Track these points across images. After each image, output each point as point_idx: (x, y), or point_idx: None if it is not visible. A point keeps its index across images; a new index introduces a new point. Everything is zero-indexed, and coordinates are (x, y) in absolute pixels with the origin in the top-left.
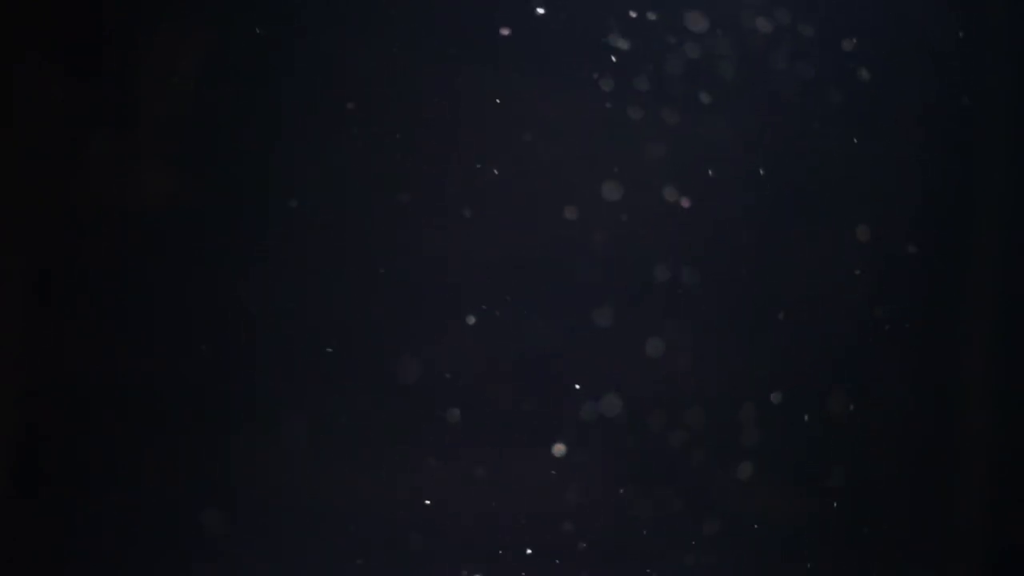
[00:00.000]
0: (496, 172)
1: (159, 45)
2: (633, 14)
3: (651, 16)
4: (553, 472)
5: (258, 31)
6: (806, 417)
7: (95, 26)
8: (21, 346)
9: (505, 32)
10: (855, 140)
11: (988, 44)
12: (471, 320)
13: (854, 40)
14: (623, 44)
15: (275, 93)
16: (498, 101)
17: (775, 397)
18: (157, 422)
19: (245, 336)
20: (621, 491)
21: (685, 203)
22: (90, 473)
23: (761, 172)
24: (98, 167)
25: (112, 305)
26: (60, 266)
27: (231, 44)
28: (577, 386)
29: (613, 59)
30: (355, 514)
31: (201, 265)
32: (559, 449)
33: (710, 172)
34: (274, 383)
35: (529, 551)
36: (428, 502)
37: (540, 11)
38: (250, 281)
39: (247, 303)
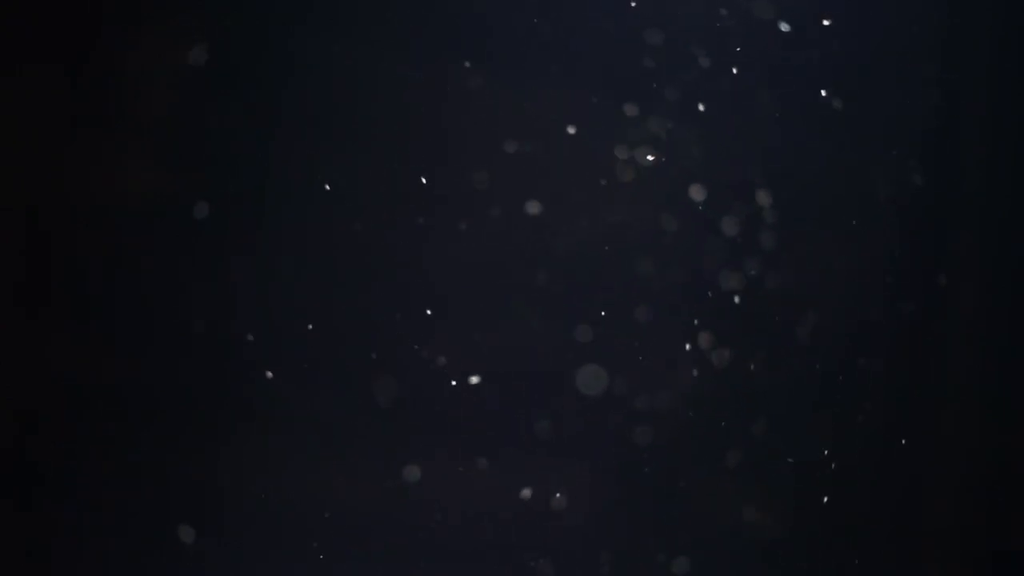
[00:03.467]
0: (497, 172)
1: (159, 45)
2: (634, 12)
3: (652, 18)
4: (552, 474)
5: (257, 31)
6: (803, 418)
7: (95, 26)
8: (19, 346)
9: (506, 32)
10: (849, 142)
11: (985, 44)
12: (471, 320)
13: (848, 40)
14: (625, 46)
15: (275, 93)
16: (499, 101)
17: (772, 398)
18: (156, 422)
19: (245, 336)
20: (617, 492)
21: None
22: (87, 473)
23: (758, 176)
24: (97, 167)
25: (111, 305)
26: (59, 266)
27: (231, 44)
28: (576, 388)
29: (614, 60)
30: (353, 514)
31: (200, 265)
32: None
33: (707, 175)
34: (274, 383)
35: (527, 552)
36: (426, 503)
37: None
38: (250, 281)
39: (246, 303)
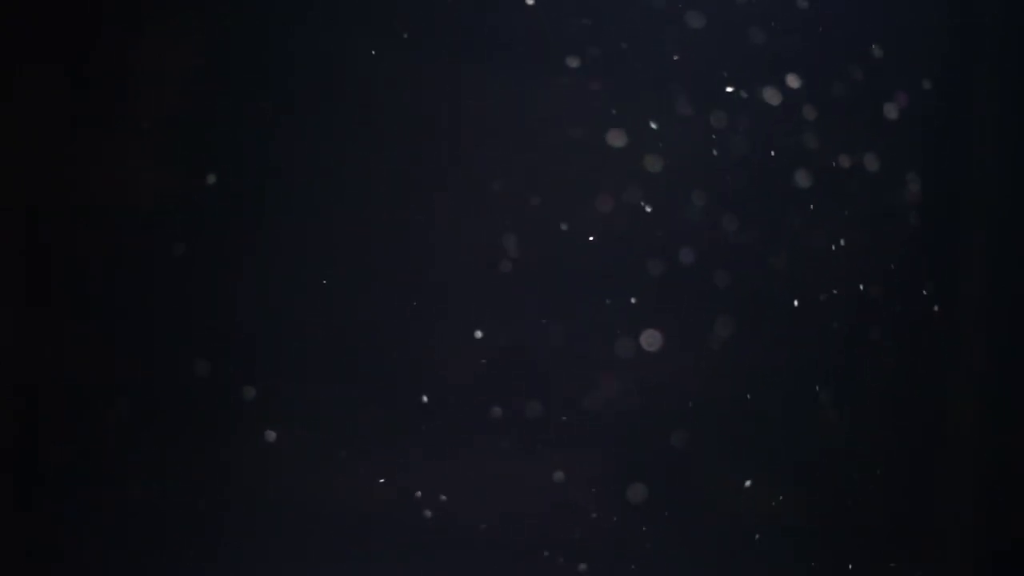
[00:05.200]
0: (497, 172)
1: (159, 45)
2: (635, 12)
3: (651, 17)
4: (552, 474)
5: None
6: (802, 417)
7: (95, 26)
8: (21, 346)
9: (508, 30)
10: (850, 140)
11: (984, 41)
12: (472, 320)
13: (848, 38)
14: (625, 43)
15: (275, 93)
16: (499, 100)
17: (771, 397)
18: (156, 422)
19: (245, 336)
20: (617, 492)
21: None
22: (87, 473)
23: (758, 173)
24: (97, 167)
25: (111, 305)
26: (60, 266)
27: (231, 44)
28: (577, 387)
29: (616, 59)
30: (353, 514)
31: (201, 265)
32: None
33: (708, 173)
34: (274, 383)
35: (527, 552)
36: (425, 502)
37: (531, 3)
38: (250, 281)
39: (247, 303)
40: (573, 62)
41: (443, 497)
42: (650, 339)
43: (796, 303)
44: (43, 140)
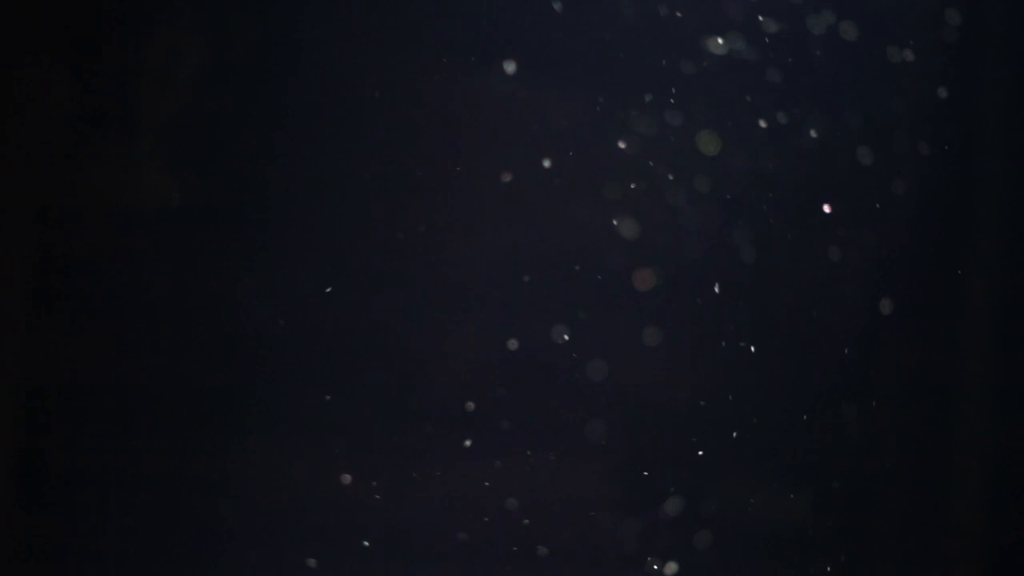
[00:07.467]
0: (497, 172)
1: (159, 45)
2: (640, 14)
3: (654, 17)
4: (553, 473)
5: (258, 31)
6: (805, 417)
7: (95, 25)
8: (21, 346)
9: (509, 32)
10: (853, 141)
11: (987, 42)
12: (471, 320)
13: (852, 39)
14: (626, 49)
15: (275, 93)
16: (500, 101)
17: (774, 397)
18: (157, 422)
19: (245, 336)
20: (620, 492)
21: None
22: (90, 473)
23: (762, 174)
24: (98, 167)
25: (112, 305)
26: (60, 266)
27: (231, 44)
28: (577, 387)
29: (618, 61)
30: (354, 514)
31: (201, 265)
32: None
33: (711, 173)
34: (274, 383)
35: (527, 552)
36: (426, 502)
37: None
38: (250, 281)
39: (247, 303)
40: (574, 63)
41: (442, 497)
42: (654, 339)
43: (800, 304)
44: (44, 140)
